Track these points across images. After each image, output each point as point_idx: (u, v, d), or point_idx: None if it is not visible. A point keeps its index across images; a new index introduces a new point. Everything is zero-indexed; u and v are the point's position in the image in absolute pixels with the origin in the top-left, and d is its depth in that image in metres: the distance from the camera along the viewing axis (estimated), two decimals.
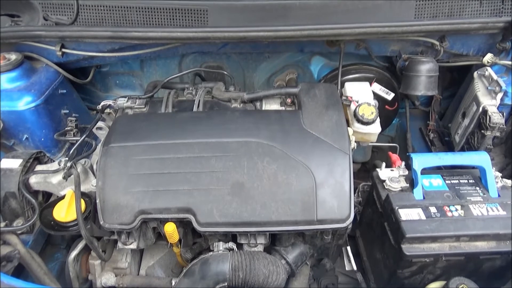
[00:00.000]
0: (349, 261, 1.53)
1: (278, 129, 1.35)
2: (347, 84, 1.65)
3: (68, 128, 1.65)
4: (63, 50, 1.72)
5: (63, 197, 1.32)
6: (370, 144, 1.62)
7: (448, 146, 1.93)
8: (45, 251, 1.64)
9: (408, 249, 1.20)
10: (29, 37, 1.67)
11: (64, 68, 1.82)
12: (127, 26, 1.61)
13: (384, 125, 1.94)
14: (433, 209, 1.25)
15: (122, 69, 2.06)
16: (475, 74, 1.70)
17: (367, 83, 1.69)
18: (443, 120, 2.08)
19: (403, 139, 2.15)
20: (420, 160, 1.31)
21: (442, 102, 2.09)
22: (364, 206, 1.55)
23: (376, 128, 1.50)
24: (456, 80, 2.08)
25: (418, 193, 1.30)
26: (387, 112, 1.96)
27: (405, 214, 1.24)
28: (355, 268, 1.51)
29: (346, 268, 1.56)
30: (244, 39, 1.57)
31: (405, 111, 2.09)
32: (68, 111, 1.78)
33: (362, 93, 1.59)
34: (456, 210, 1.25)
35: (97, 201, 1.26)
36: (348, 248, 1.54)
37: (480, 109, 1.58)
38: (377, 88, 1.89)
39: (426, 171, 1.35)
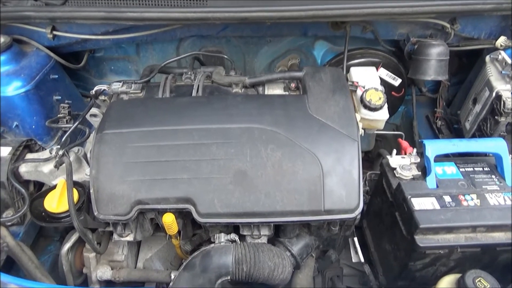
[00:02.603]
0: (356, 252, 1.47)
1: (283, 114, 1.29)
2: (352, 69, 1.59)
3: (61, 115, 1.58)
4: (54, 32, 1.64)
5: (54, 187, 1.26)
6: (374, 132, 1.56)
7: (457, 134, 1.87)
8: (38, 244, 1.58)
9: (422, 240, 1.14)
10: (17, 18, 1.58)
11: (56, 52, 1.74)
12: (122, 6, 1.52)
13: (390, 112, 1.88)
14: (447, 198, 1.19)
15: (117, 54, 1.98)
16: (487, 58, 1.63)
17: (374, 68, 1.63)
18: (450, 107, 2.01)
19: (408, 127, 2.08)
20: (434, 147, 1.24)
21: (450, 89, 2.03)
22: (372, 195, 1.49)
23: (383, 114, 1.43)
24: (464, 66, 2.01)
25: (431, 182, 1.24)
26: (393, 99, 1.89)
27: (418, 204, 1.17)
28: (362, 260, 1.45)
29: (353, 260, 1.50)
30: (245, 20, 1.49)
31: (412, 98, 2.02)
32: (60, 97, 1.71)
33: (368, 78, 1.53)
34: (472, 199, 1.19)
35: (91, 190, 1.20)
36: (355, 239, 1.48)
37: (493, 94, 1.51)
38: (384, 73, 1.83)
39: (439, 158, 1.28)
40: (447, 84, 1.96)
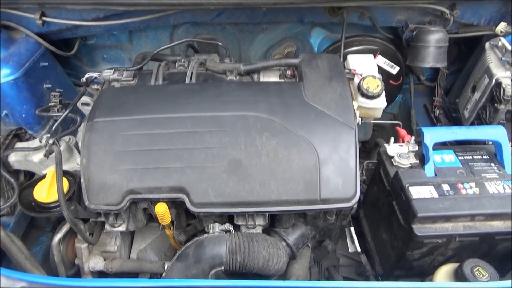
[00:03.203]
0: (353, 242, 1.45)
1: (278, 102, 1.26)
2: (350, 57, 1.55)
3: (52, 103, 1.55)
4: (44, 18, 1.59)
5: (44, 176, 1.23)
6: (371, 121, 1.53)
7: (455, 123, 1.84)
8: (30, 234, 1.56)
9: (420, 229, 1.12)
10: (5, 3, 1.53)
11: (46, 39, 1.69)
12: None
13: (388, 101, 1.84)
14: (446, 187, 1.17)
15: (110, 42, 1.94)
16: (487, 44, 1.60)
17: (371, 56, 1.59)
18: (449, 96, 1.99)
19: (406, 117, 2.06)
20: (432, 134, 1.22)
21: (448, 77, 1.99)
22: (369, 184, 1.47)
23: (381, 102, 1.40)
24: (463, 54, 1.98)
25: (429, 170, 1.21)
26: (390, 87, 1.86)
27: (416, 192, 1.15)
28: (359, 250, 1.43)
29: (349, 250, 1.48)
30: (240, 5, 1.46)
31: (409, 86, 2.00)
32: (51, 85, 1.66)
33: (366, 66, 1.49)
34: (471, 187, 1.17)
35: (82, 180, 1.16)
36: (352, 229, 1.46)
37: (493, 81, 1.48)
38: (382, 61, 1.79)
39: (437, 146, 1.26)
40: (445, 72, 1.93)
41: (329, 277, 1.51)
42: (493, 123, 1.48)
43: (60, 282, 0.99)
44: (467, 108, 1.67)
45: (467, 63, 1.89)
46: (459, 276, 1.06)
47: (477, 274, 1.04)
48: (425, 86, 2.06)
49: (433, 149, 1.24)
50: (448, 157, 1.27)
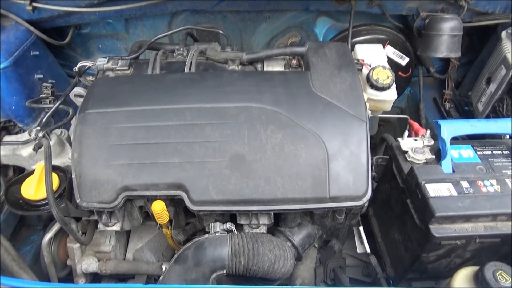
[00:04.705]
0: (361, 242, 1.37)
1: (284, 92, 1.18)
2: (357, 46, 1.48)
3: (43, 95, 1.47)
4: (34, 4, 1.52)
5: (33, 172, 1.14)
6: (378, 115, 1.45)
7: (467, 117, 1.76)
8: (20, 233, 1.50)
9: (437, 230, 1.04)
10: None
11: (38, 27, 1.62)
12: None
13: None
14: (465, 184, 1.09)
15: (105, 31, 1.86)
16: (504, 33, 1.53)
17: (380, 45, 1.51)
18: (459, 89, 1.91)
19: (414, 111, 1.98)
20: (450, 128, 1.13)
21: (458, 69, 1.91)
22: (380, 181, 1.39)
23: (392, 94, 1.34)
24: (474, 45, 1.90)
25: (446, 166, 1.13)
26: (399, 80, 1.77)
27: (433, 190, 1.07)
28: (368, 250, 1.35)
29: (358, 251, 1.41)
30: None
31: (418, 79, 1.92)
32: (42, 76, 1.60)
33: (375, 56, 1.42)
34: (492, 185, 1.09)
35: (73, 176, 1.09)
36: (361, 228, 1.38)
37: (511, 72, 1.40)
38: (391, 51, 1.72)
39: (452, 141, 1.17)
40: (456, 64, 1.85)
41: (335, 278, 1.44)
42: (511, 116, 1.40)
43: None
44: (481, 101, 1.59)
45: (479, 54, 1.81)
46: (480, 280, 0.98)
47: (499, 278, 0.96)
48: (434, 78, 1.98)
49: (450, 143, 1.16)
50: (466, 152, 1.19)
